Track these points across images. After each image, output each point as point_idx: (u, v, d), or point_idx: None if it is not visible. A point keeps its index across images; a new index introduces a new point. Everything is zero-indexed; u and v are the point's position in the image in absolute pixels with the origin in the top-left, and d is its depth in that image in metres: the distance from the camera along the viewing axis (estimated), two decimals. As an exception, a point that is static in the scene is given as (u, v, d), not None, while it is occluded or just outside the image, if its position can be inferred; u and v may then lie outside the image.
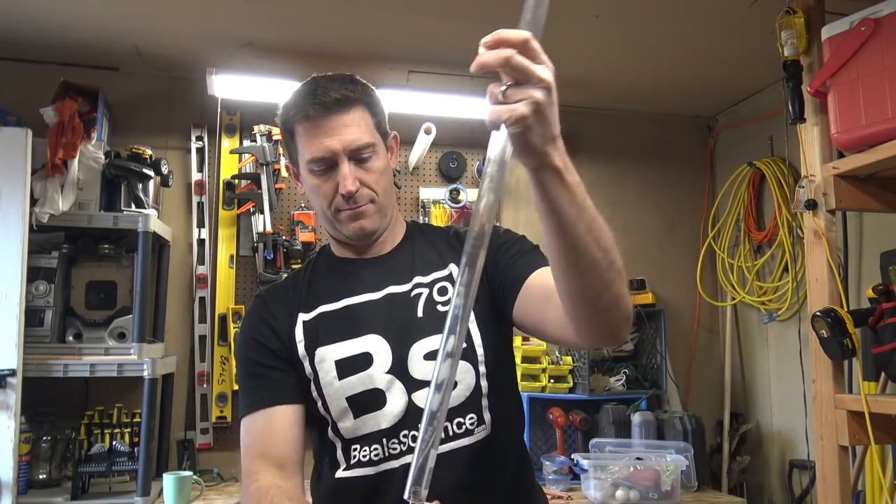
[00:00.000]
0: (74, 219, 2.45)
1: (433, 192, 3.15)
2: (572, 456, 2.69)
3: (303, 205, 3.02)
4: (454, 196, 3.11)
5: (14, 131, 2.34)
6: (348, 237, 1.27)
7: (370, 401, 1.20)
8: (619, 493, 2.48)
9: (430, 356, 1.19)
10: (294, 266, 2.92)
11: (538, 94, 0.78)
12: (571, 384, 2.98)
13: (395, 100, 2.89)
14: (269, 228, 2.87)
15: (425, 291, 1.24)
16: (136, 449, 2.44)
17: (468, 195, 3.12)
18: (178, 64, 2.87)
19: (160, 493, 2.48)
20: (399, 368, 1.20)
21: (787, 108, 2.02)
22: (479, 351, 1.21)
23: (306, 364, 1.23)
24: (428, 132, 2.92)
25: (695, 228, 3.46)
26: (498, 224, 1.36)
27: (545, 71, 0.79)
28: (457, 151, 3.21)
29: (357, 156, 1.21)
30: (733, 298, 3.26)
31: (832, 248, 1.93)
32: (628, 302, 0.95)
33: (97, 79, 2.77)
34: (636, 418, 2.86)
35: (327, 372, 1.21)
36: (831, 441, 1.89)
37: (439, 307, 1.22)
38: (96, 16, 2.46)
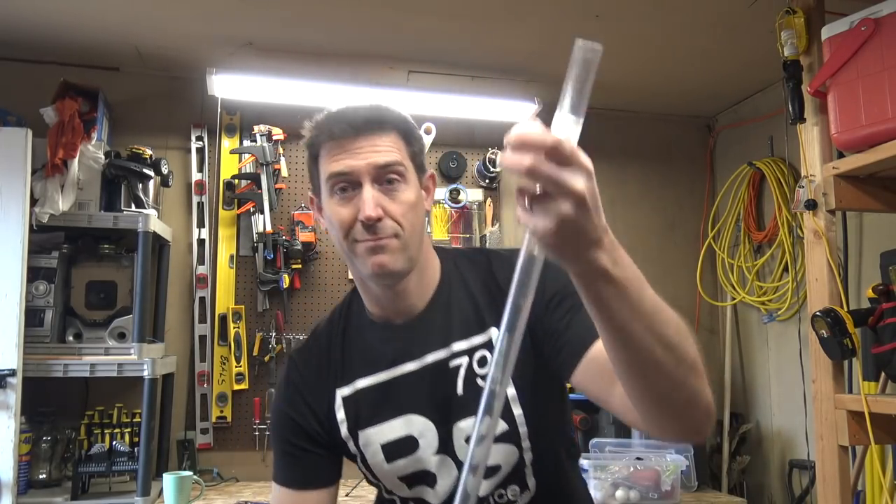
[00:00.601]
0: (74, 219, 2.45)
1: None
2: (572, 456, 2.68)
3: (303, 205, 3.02)
4: (454, 196, 3.11)
5: (14, 131, 2.34)
6: (366, 277, 1.11)
7: (422, 479, 1.17)
8: (619, 493, 2.48)
9: None
10: (294, 266, 2.92)
11: (566, 209, 0.65)
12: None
13: (395, 100, 2.88)
14: (269, 228, 2.87)
15: (465, 362, 1.13)
16: (136, 449, 2.44)
17: (468, 195, 3.12)
18: (178, 64, 2.87)
19: (160, 493, 2.48)
20: (445, 447, 1.15)
21: (787, 108, 2.02)
22: (522, 430, 1.12)
23: (350, 444, 1.19)
24: (428, 132, 2.93)
25: (695, 228, 3.46)
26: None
27: (578, 179, 0.66)
28: (457, 151, 3.20)
29: (383, 178, 1.07)
30: (733, 298, 3.26)
31: (832, 248, 1.93)
32: (707, 396, 0.82)
33: (97, 79, 2.78)
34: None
35: (374, 454, 1.17)
36: (831, 441, 1.89)
37: (479, 381, 1.12)
38: (96, 16, 2.46)
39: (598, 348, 0.99)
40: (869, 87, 1.79)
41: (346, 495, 2.50)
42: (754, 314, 3.22)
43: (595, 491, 2.50)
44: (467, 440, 1.04)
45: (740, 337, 3.33)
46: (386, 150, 1.08)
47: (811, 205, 1.96)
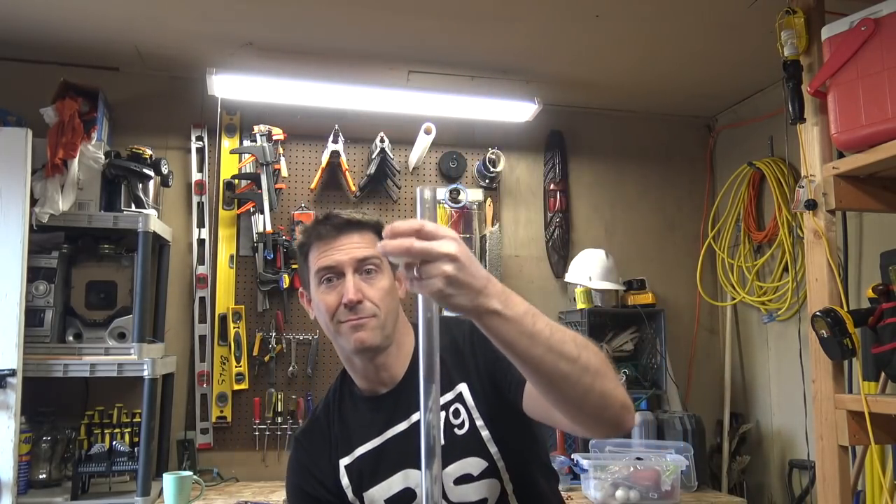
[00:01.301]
0: (74, 219, 2.45)
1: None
2: (572, 456, 2.69)
3: (303, 205, 3.02)
4: (454, 196, 3.11)
5: (14, 131, 2.34)
6: (350, 352, 1.29)
7: None
8: (619, 493, 2.48)
9: (459, 481, 1.27)
10: (294, 266, 2.92)
11: (448, 268, 0.83)
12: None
13: (395, 100, 2.90)
14: (269, 228, 2.87)
15: (442, 416, 1.29)
16: (136, 449, 2.44)
17: (468, 195, 3.12)
18: (178, 64, 2.87)
19: (160, 493, 2.48)
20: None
21: (787, 108, 2.01)
22: (500, 465, 1.28)
23: None
24: (428, 132, 2.92)
25: (695, 228, 3.46)
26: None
27: (448, 244, 0.84)
28: (457, 151, 3.20)
29: (362, 268, 1.28)
30: (733, 298, 3.26)
31: (832, 248, 1.93)
32: (620, 394, 0.98)
33: (97, 79, 2.78)
34: (636, 418, 2.85)
35: None
36: (831, 441, 1.89)
37: (456, 430, 1.29)
38: (96, 16, 2.46)
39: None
40: (869, 87, 1.79)
41: None
42: (754, 314, 3.22)
43: (595, 491, 2.50)
44: (456, 482, 1.26)
45: (740, 337, 3.33)
46: (364, 246, 1.29)
47: (811, 205, 1.96)
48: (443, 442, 1.27)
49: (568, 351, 0.92)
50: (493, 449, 1.28)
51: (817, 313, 1.85)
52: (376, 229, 1.32)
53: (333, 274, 1.27)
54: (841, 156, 1.94)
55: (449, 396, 1.31)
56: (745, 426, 3.15)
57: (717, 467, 3.13)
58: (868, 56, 1.79)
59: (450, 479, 1.26)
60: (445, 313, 1.38)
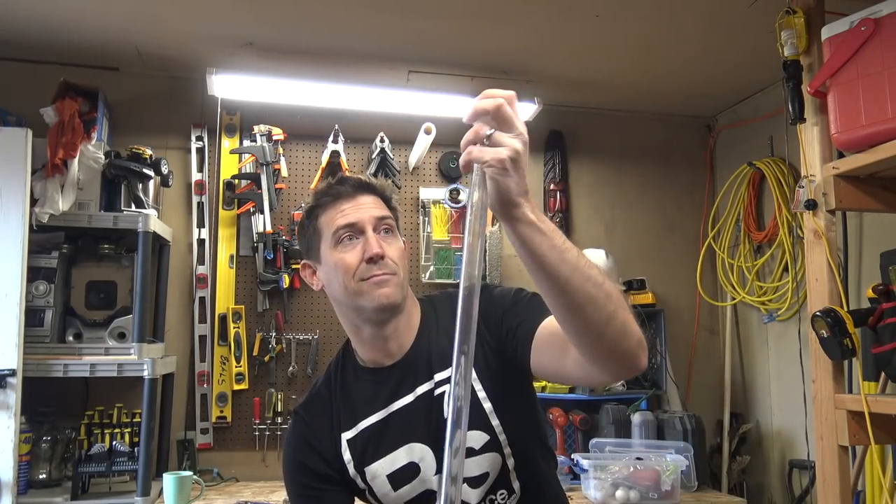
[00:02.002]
0: (74, 219, 2.45)
1: (433, 192, 3.15)
2: (572, 456, 2.69)
3: (303, 205, 3.02)
4: (454, 196, 3.11)
5: (14, 131, 2.34)
6: (371, 310, 1.26)
7: (427, 499, 1.30)
8: (619, 493, 2.48)
9: (466, 454, 1.26)
10: (294, 266, 2.92)
11: (518, 144, 0.85)
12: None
13: (395, 100, 2.90)
14: (269, 228, 2.87)
15: (447, 389, 1.26)
16: (136, 449, 2.44)
17: (468, 195, 3.11)
18: (178, 64, 2.87)
19: (160, 493, 2.48)
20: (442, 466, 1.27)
21: (787, 108, 2.01)
22: (502, 438, 1.27)
23: (359, 481, 1.32)
24: (428, 132, 2.92)
25: (695, 228, 3.46)
26: (489, 284, 1.40)
27: (524, 128, 0.88)
28: (457, 151, 3.20)
29: (380, 228, 1.28)
30: (733, 298, 3.26)
31: (832, 248, 1.93)
32: (637, 329, 0.97)
33: (97, 79, 2.78)
34: (636, 418, 2.86)
35: (382, 486, 1.30)
36: (831, 441, 1.89)
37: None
38: (96, 16, 2.46)
39: (544, 325, 1.16)
40: (869, 87, 1.79)
41: None
42: (754, 314, 3.22)
43: (595, 491, 2.50)
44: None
45: (740, 337, 3.33)
46: (380, 206, 1.31)
47: (811, 205, 1.96)
48: (446, 415, 1.27)
49: (594, 275, 0.92)
50: (494, 422, 1.26)
51: (817, 313, 1.85)
52: (387, 196, 1.34)
53: (353, 232, 1.26)
54: (841, 156, 1.94)
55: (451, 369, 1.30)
56: (745, 426, 3.15)
57: (717, 467, 3.13)
58: (868, 56, 1.79)
59: None
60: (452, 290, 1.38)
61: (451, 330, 1.30)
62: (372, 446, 1.30)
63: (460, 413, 0.81)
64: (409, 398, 1.29)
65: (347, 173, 2.63)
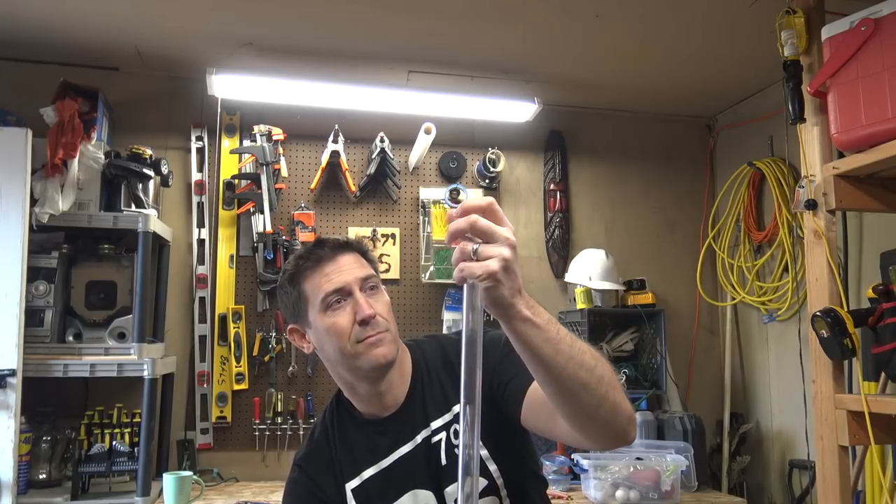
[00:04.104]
0: (74, 219, 2.45)
1: (433, 192, 3.15)
2: (572, 456, 2.69)
3: (303, 205, 3.02)
4: (454, 196, 3.11)
5: (14, 131, 2.34)
6: (368, 370, 1.28)
7: None
8: (619, 493, 2.48)
9: None
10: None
11: (506, 252, 0.86)
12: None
13: (395, 100, 2.90)
14: (269, 228, 2.87)
15: (443, 436, 1.31)
16: (136, 449, 2.44)
17: (468, 195, 3.12)
18: (178, 64, 2.87)
19: (160, 493, 2.48)
20: None
21: (787, 108, 2.01)
22: (499, 482, 1.29)
23: None
24: (428, 132, 2.92)
25: (695, 228, 3.46)
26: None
27: (508, 231, 0.88)
28: (457, 151, 3.20)
29: (366, 287, 1.30)
30: (733, 298, 3.26)
31: (832, 248, 1.93)
32: (628, 406, 1.01)
33: (97, 79, 2.78)
34: (636, 418, 2.85)
35: None
36: (831, 441, 1.89)
37: (456, 450, 1.29)
38: (96, 16, 2.46)
39: (535, 388, 1.17)
40: (869, 87, 1.79)
41: None
42: (754, 314, 3.22)
43: (595, 491, 2.50)
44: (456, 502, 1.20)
45: (740, 337, 3.33)
46: (361, 264, 1.33)
47: (811, 205, 1.96)
48: (444, 462, 1.30)
49: (587, 361, 0.94)
50: (492, 467, 1.29)
51: (817, 313, 1.85)
52: (363, 251, 1.36)
53: (341, 296, 1.28)
54: (841, 156, 1.94)
55: (447, 417, 1.32)
56: (745, 426, 3.15)
57: (717, 467, 3.13)
58: (868, 56, 1.79)
59: (450, 498, 1.28)
60: (444, 332, 1.39)
61: (443, 377, 1.34)
62: (377, 494, 1.32)
63: (470, 461, 0.83)
64: (408, 447, 1.32)
65: (347, 173, 2.69)
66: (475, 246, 0.86)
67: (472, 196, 3.13)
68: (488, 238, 0.86)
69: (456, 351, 1.30)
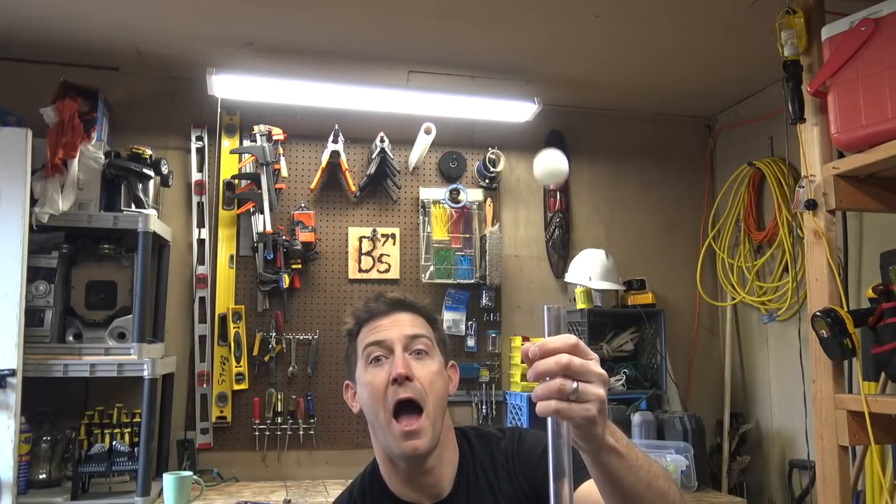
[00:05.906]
0: (74, 219, 2.45)
1: (433, 192, 3.15)
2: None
3: (303, 205, 3.02)
4: (454, 196, 3.11)
5: (14, 131, 2.34)
6: (398, 455, 1.18)
7: None
8: (619, 493, 2.48)
9: None
10: (294, 266, 2.92)
11: (603, 392, 0.81)
12: (571, 384, 2.97)
13: (395, 100, 2.90)
14: (269, 228, 2.87)
15: None
16: (136, 449, 2.44)
17: (468, 195, 3.12)
18: (178, 64, 2.87)
19: (160, 493, 2.48)
20: None
21: (787, 108, 2.01)
22: None
23: None
24: (428, 132, 2.92)
25: (695, 228, 3.46)
26: (523, 430, 1.34)
27: (598, 365, 0.82)
28: (457, 151, 3.20)
29: (412, 348, 1.21)
30: (733, 298, 3.26)
31: (832, 248, 1.93)
32: None
33: (97, 79, 2.78)
34: (636, 418, 2.85)
35: None
36: (831, 441, 1.89)
37: None
38: (96, 16, 2.46)
39: (585, 492, 1.09)
40: (869, 87, 1.79)
41: None
42: (754, 314, 3.22)
43: (595, 491, 2.50)
44: None
45: (740, 337, 3.33)
46: (417, 324, 1.24)
47: (811, 205, 1.95)
48: None
49: (661, 486, 0.92)
50: None
51: (817, 313, 1.85)
52: (427, 315, 1.28)
53: (382, 351, 1.20)
54: (841, 156, 1.94)
55: None
56: (745, 426, 3.15)
57: (717, 467, 3.13)
58: (868, 56, 1.79)
59: None
60: (489, 428, 1.34)
61: (491, 478, 1.26)
62: None
63: None
64: None
65: (347, 173, 2.64)
66: (575, 384, 0.79)
67: (472, 196, 3.13)
68: (584, 378, 0.80)
69: (500, 449, 1.27)
